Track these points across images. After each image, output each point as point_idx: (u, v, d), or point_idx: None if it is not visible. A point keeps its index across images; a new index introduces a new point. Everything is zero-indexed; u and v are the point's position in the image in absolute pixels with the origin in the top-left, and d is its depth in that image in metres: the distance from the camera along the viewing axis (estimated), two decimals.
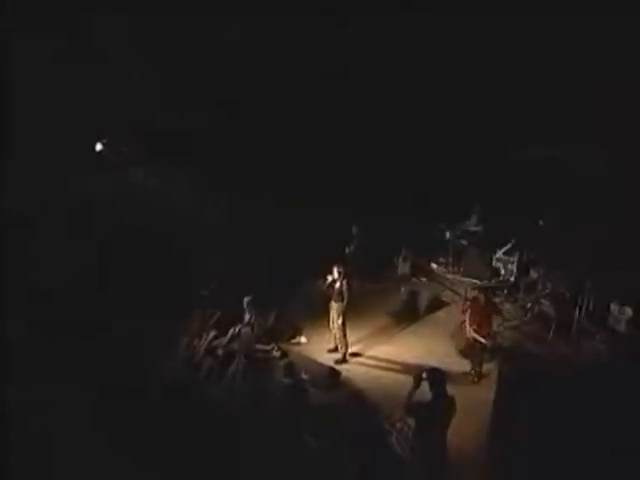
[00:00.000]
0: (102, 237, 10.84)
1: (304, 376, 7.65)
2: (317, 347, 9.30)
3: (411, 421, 5.93)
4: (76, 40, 11.87)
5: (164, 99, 12.57)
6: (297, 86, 12.65)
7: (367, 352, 9.29)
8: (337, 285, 8.78)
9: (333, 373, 8.46)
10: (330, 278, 8.82)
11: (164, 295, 9.27)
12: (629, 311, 9.30)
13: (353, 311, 9.20)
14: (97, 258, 10.41)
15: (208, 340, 8.24)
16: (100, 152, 12.48)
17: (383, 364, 8.95)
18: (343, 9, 11.81)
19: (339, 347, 9.01)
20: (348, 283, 8.76)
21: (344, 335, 8.96)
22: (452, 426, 5.59)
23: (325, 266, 9.00)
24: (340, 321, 8.87)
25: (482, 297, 8.61)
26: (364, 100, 12.62)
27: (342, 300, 8.78)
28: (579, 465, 6.10)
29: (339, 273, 8.78)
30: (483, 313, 8.42)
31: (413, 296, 10.86)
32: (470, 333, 8.38)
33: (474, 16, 11.61)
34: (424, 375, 5.56)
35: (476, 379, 8.39)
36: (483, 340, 8.28)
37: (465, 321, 8.60)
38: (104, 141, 12.38)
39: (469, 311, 8.58)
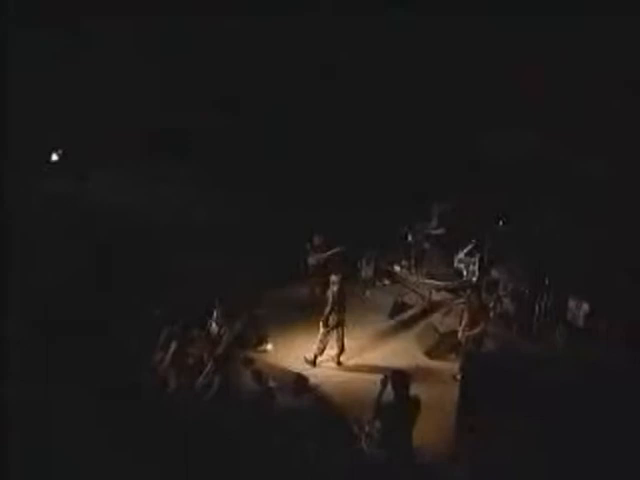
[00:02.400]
0: (101, 238, 10.83)
1: (271, 383, 7.63)
2: (283, 353, 9.25)
3: (379, 423, 5.98)
4: (76, 39, 11.79)
5: (164, 98, 12.52)
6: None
7: (333, 356, 9.28)
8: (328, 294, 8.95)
9: (301, 379, 8.43)
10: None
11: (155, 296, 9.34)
12: (586, 307, 9.56)
13: (316, 316, 9.16)
14: (96, 259, 10.33)
15: (172, 351, 8.09)
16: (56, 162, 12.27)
17: (350, 368, 8.99)
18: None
19: (321, 352, 9.01)
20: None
21: (337, 339, 9.03)
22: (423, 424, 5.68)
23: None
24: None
25: (475, 299, 8.74)
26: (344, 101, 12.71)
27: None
28: (552, 459, 6.22)
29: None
30: (475, 315, 8.54)
31: (377, 299, 10.93)
32: (466, 332, 8.50)
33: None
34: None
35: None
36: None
37: (460, 324, 8.73)
38: (59, 151, 12.14)
39: (465, 315, 8.68)
